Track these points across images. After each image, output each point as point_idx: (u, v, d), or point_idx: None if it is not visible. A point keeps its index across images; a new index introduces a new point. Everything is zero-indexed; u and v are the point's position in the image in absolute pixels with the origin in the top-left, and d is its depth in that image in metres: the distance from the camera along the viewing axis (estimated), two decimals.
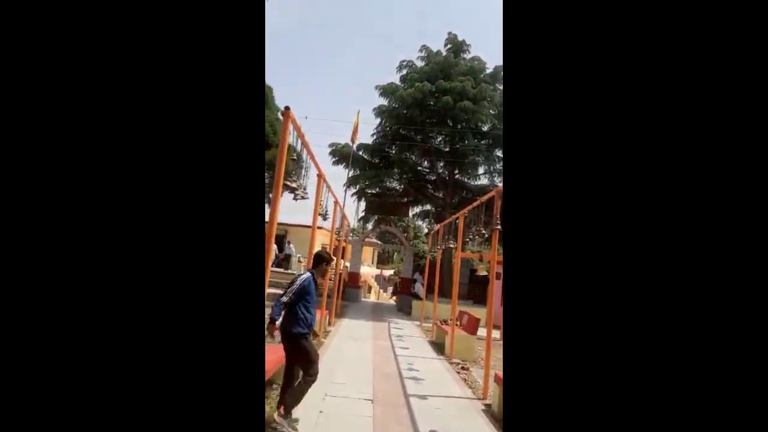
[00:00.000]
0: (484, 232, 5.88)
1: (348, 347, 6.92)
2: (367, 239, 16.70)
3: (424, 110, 14.15)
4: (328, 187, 6.24)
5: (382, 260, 31.20)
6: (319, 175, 5.33)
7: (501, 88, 15.01)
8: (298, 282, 3.39)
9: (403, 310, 13.83)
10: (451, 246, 8.42)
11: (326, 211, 6.32)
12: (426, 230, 20.11)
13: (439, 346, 7.93)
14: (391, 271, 28.85)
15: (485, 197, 5.85)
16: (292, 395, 3.31)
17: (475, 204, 6.09)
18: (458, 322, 7.57)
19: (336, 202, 7.74)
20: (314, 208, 5.23)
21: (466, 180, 15.91)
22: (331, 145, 15.45)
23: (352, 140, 14.05)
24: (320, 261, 3.77)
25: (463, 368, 6.54)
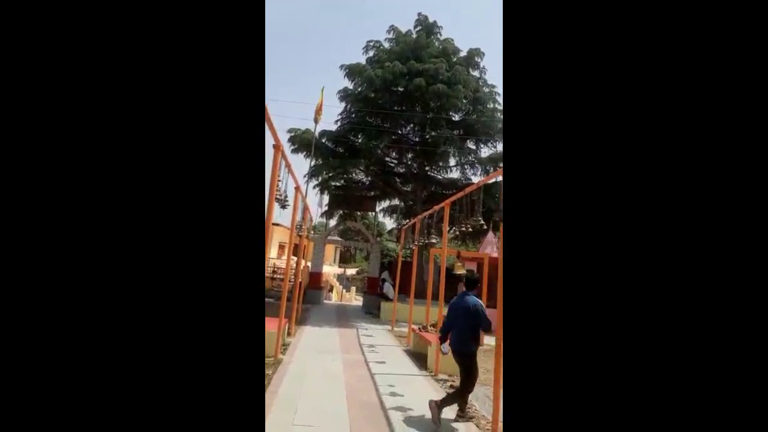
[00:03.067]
0: (482, 222, 4.77)
1: (313, 366, 5.61)
2: (329, 236, 15.30)
3: (394, 94, 12.96)
4: (288, 166, 4.91)
5: (345, 259, 29.83)
6: (276, 146, 4.01)
7: (474, 73, 14.13)
8: (481, 308, 4.08)
9: (371, 312, 12.62)
10: (433, 241, 7.30)
11: (285, 196, 4.99)
12: (390, 227, 18.97)
13: (418, 357, 6.77)
14: (354, 270, 27.46)
15: (487, 178, 4.74)
16: (464, 400, 4.12)
17: (472, 188, 4.96)
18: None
19: (297, 188, 6.39)
20: (270, 187, 3.89)
21: (436, 173, 14.90)
22: (290, 131, 13.88)
23: (316, 120, 12.61)
24: (477, 282, 4.54)
25: (451, 386, 5.48)
